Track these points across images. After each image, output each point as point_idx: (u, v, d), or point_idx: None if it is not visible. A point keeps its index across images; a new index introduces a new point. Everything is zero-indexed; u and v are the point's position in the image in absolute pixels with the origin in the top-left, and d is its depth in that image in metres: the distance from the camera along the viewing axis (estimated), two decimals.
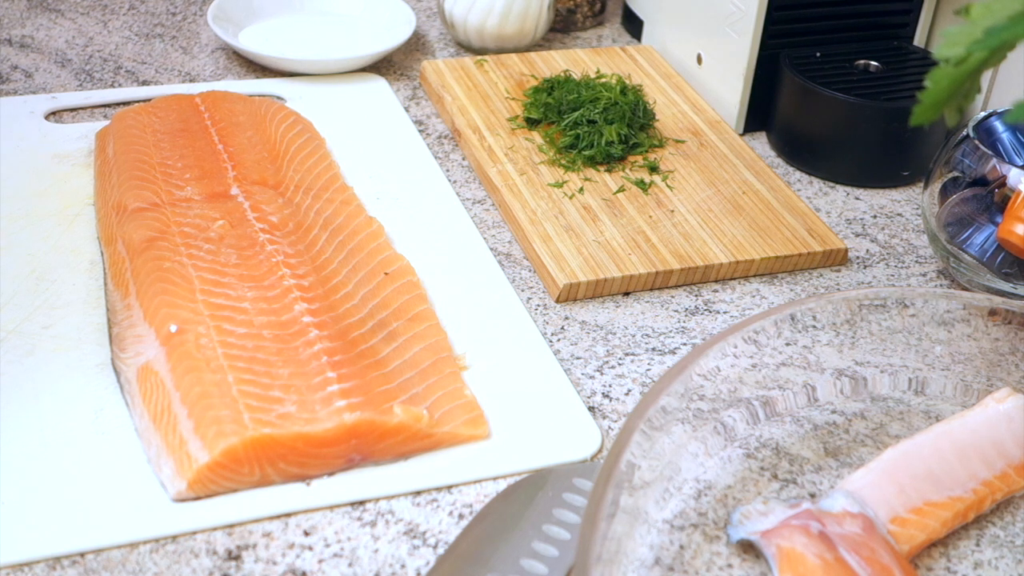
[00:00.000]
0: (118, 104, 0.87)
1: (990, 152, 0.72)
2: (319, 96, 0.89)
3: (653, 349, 0.68)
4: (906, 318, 0.63)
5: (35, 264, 0.69)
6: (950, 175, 0.74)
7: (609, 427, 0.62)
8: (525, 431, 0.60)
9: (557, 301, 0.71)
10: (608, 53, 0.97)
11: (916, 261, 0.78)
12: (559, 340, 0.68)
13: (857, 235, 0.80)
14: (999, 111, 0.75)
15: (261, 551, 0.53)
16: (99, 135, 0.80)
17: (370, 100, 0.90)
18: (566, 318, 0.70)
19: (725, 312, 0.71)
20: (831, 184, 0.86)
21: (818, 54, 0.88)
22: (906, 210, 0.83)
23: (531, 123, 0.86)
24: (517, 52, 0.97)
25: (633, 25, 1.04)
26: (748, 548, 0.55)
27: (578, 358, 0.67)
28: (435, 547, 0.54)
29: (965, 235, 0.73)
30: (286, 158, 0.78)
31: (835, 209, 0.83)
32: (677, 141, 0.86)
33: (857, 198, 0.84)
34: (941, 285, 0.76)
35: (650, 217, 0.77)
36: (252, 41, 0.94)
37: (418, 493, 0.57)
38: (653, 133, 0.86)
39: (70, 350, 0.63)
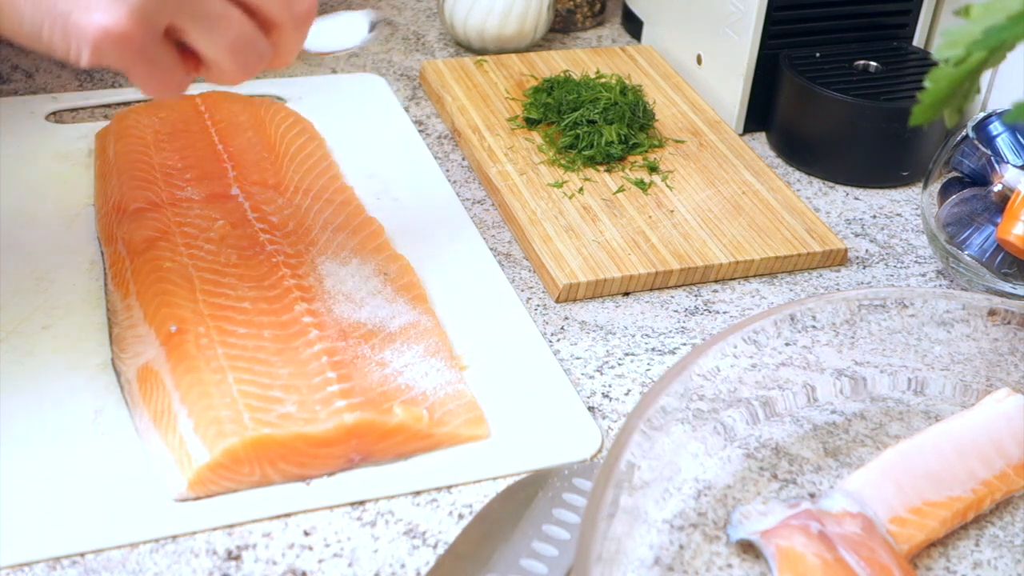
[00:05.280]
0: (119, 105, 0.87)
1: (989, 152, 0.72)
2: (319, 96, 0.89)
3: (653, 349, 0.68)
4: (905, 318, 0.63)
5: (35, 264, 0.69)
6: (950, 175, 0.74)
7: (609, 427, 0.62)
8: (525, 431, 0.60)
9: (557, 301, 0.71)
10: (608, 53, 0.97)
11: (915, 261, 0.78)
12: (559, 340, 0.68)
13: (857, 235, 0.80)
14: (999, 111, 0.75)
15: (261, 551, 0.53)
16: (99, 135, 0.80)
17: (370, 100, 0.90)
18: (566, 318, 0.70)
19: (725, 312, 0.71)
20: (831, 184, 0.86)
21: (818, 54, 0.88)
22: (906, 210, 0.83)
23: (531, 123, 0.86)
24: (517, 52, 0.97)
25: (633, 25, 1.04)
26: (748, 548, 0.55)
27: (578, 358, 0.67)
28: (435, 547, 0.54)
29: (964, 235, 0.73)
30: (286, 158, 0.78)
31: (835, 209, 0.83)
32: (677, 141, 0.86)
33: (857, 198, 0.84)
34: (940, 285, 0.76)
35: (650, 217, 0.77)
36: None
37: (418, 493, 0.57)
38: (653, 133, 0.86)
39: (70, 350, 0.63)
